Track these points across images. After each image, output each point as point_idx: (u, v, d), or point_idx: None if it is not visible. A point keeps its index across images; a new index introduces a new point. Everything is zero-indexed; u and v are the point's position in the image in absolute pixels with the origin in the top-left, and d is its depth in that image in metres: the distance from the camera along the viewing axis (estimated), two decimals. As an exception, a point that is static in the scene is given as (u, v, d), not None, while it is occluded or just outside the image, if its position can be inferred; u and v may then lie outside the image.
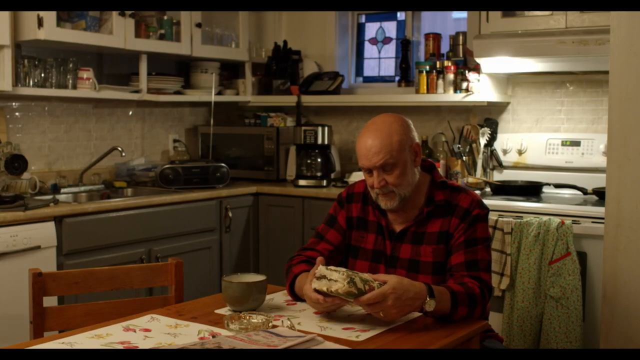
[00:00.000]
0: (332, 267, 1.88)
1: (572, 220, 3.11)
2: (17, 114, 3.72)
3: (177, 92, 4.32)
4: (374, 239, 2.21)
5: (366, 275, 1.87)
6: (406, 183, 2.11)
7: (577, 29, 3.36)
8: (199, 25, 4.17)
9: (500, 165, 3.94)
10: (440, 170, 3.96)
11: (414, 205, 2.16)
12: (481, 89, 3.81)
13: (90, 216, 3.29)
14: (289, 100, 4.49)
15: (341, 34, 4.72)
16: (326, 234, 2.28)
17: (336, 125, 4.59)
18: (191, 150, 4.62)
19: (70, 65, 3.74)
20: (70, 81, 3.73)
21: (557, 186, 3.69)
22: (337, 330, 1.82)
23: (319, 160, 4.21)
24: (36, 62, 3.59)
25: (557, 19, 3.42)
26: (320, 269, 1.89)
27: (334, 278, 1.84)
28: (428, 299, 1.86)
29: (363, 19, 4.76)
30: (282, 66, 4.57)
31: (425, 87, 4.02)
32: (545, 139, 3.82)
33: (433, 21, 4.48)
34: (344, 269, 1.88)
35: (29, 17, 3.37)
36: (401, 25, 4.60)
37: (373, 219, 2.23)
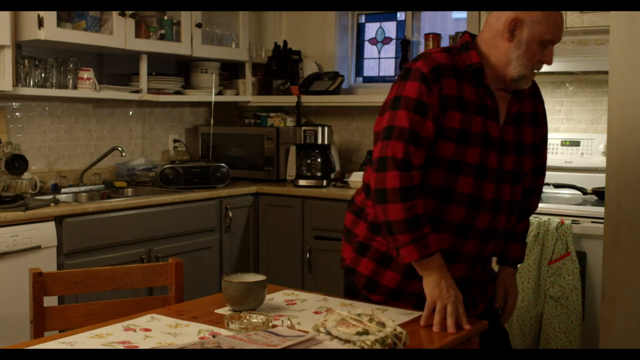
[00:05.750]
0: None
1: (572, 220, 3.11)
2: (17, 114, 3.72)
3: (177, 92, 4.32)
4: (480, 121, 1.94)
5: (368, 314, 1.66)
6: None
7: (576, 29, 3.36)
8: (199, 25, 4.18)
9: (500, 165, 3.94)
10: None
11: None
12: (481, 89, 3.80)
13: (90, 216, 3.29)
14: (289, 100, 4.49)
15: (341, 34, 4.72)
16: (422, 131, 1.86)
17: (336, 125, 4.59)
18: (191, 150, 4.62)
19: (71, 66, 3.74)
20: (71, 81, 3.74)
21: (557, 186, 3.69)
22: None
23: (319, 160, 4.21)
24: (36, 62, 3.59)
25: (556, 19, 3.42)
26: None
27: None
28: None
29: (363, 19, 4.76)
30: (282, 66, 4.57)
31: (425, 87, 4.01)
32: (545, 139, 3.82)
33: (433, 21, 4.48)
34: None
35: (29, 17, 3.37)
36: (401, 26, 4.60)
37: (472, 98, 1.94)
